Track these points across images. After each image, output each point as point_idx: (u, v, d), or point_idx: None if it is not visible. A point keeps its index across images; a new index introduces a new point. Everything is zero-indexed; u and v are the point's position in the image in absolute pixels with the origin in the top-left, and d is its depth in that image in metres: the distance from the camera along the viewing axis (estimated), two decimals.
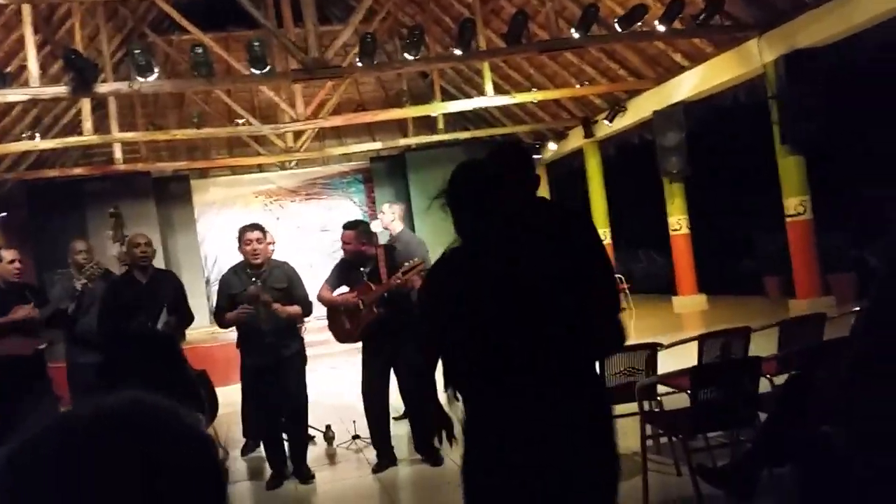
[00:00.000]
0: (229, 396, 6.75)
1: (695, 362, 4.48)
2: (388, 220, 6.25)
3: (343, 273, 5.38)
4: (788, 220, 9.20)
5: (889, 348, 2.63)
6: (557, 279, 2.24)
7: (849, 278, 9.88)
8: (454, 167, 2.45)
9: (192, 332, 9.81)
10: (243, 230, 5.06)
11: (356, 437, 5.88)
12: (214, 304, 5.23)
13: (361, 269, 5.25)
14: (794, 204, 9.04)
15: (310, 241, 14.32)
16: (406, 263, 5.05)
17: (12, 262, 5.18)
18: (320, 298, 5.36)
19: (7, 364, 4.73)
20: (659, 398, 4.38)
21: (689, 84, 10.39)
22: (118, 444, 0.73)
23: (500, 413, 2.23)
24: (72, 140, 11.01)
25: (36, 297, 5.21)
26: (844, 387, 2.60)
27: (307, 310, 5.18)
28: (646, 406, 4.16)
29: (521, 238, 2.34)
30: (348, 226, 5.39)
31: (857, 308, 4.61)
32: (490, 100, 11.41)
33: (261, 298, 4.90)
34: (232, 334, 5.42)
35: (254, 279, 4.98)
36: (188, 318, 5.52)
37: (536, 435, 2.17)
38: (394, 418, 5.84)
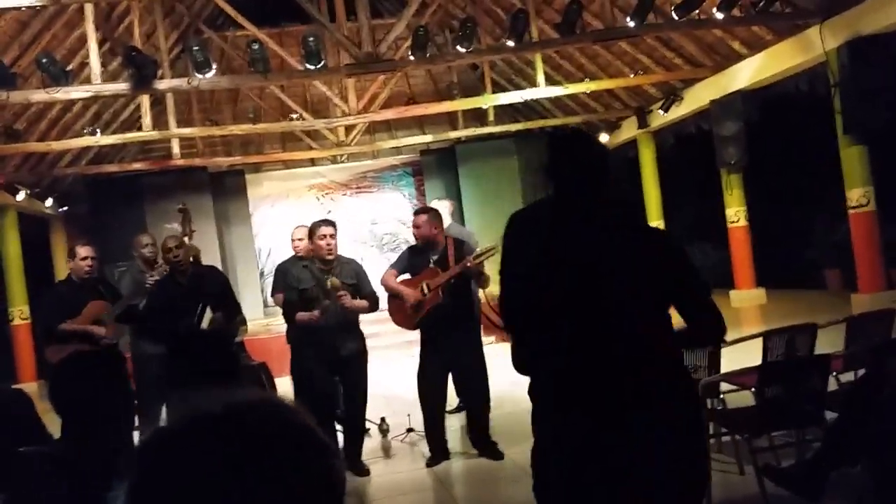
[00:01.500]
0: (285, 387, 6.86)
1: (756, 359, 4.37)
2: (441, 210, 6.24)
3: (411, 258, 5.40)
4: (851, 211, 8.93)
5: None
6: (638, 269, 2.22)
7: None
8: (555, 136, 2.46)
9: (249, 325, 10.00)
10: (317, 225, 5.11)
11: (410, 429, 5.91)
12: (284, 301, 5.27)
13: (430, 255, 5.26)
14: (858, 195, 8.77)
15: (361, 233, 14.44)
16: (477, 250, 5.06)
17: (85, 258, 5.30)
18: (384, 283, 5.39)
19: (79, 357, 4.84)
20: (722, 396, 4.29)
21: (747, 72, 10.14)
22: (248, 441, 0.74)
23: (575, 400, 2.19)
24: (131, 136, 11.26)
25: (109, 292, 5.34)
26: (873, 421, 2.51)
27: (375, 305, 5.22)
28: (709, 404, 4.08)
29: (612, 225, 2.31)
30: (420, 211, 5.46)
31: None
32: (542, 91, 11.31)
33: (340, 289, 4.92)
34: (284, 326, 5.48)
35: (326, 273, 5.01)
36: (235, 312, 5.59)
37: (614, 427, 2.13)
38: (448, 412, 5.85)
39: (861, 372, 4.30)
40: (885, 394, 2.94)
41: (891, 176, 9.65)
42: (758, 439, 3.81)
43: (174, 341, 4.95)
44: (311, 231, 5.12)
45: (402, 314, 5.35)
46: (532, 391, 2.29)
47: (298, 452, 0.75)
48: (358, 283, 5.14)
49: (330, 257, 5.03)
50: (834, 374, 4.01)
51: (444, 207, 6.37)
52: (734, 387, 4.18)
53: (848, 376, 4.33)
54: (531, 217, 2.39)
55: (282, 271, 5.45)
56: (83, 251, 5.34)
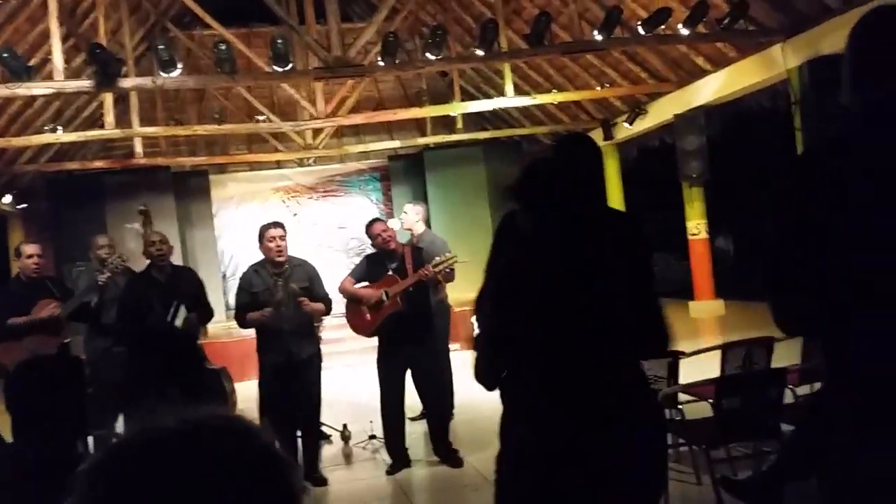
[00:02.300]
0: (246, 392, 6.79)
1: (715, 370, 4.44)
2: (412, 221, 6.25)
3: (369, 267, 5.38)
4: None
5: None
6: (613, 275, 2.24)
7: None
8: (528, 159, 2.49)
9: (210, 328, 9.88)
10: (265, 228, 5.05)
11: (373, 436, 5.88)
12: (234, 303, 5.20)
13: (388, 264, 5.25)
14: None
15: (327, 238, 14.35)
16: (437, 258, 5.06)
17: (31, 256, 5.21)
18: (342, 290, 5.37)
19: (35, 362, 4.74)
20: (680, 406, 4.35)
21: (711, 88, 10.31)
22: (201, 460, 0.73)
23: (542, 406, 2.21)
24: (93, 133, 11.08)
25: (59, 290, 5.24)
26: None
27: (328, 308, 5.19)
28: (667, 414, 4.13)
29: (575, 234, 2.32)
30: (376, 219, 5.47)
31: None
32: (510, 100, 11.38)
33: (293, 296, 4.88)
34: (249, 331, 5.42)
35: (277, 277, 4.97)
36: (208, 314, 5.55)
37: (581, 433, 2.15)
38: (410, 418, 5.84)
39: (817, 385, 4.40)
40: (840, 408, 3.00)
41: None
42: (715, 450, 3.87)
43: (144, 338, 4.91)
44: (260, 234, 5.06)
45: (360, 321, 5.34)
46: (506, 395, 2.30)
47: (254, 471, 0.74)
48: (311, 286, 5.08)
49: (280, 259, 4.98)
50: (790, 387, 4.08)
51: (416, 212, 6.37)
52: (692, 398, 4.24)
53: (804, 389, 4.41)
54: (513, 221, 2.42)
55: (244, 280, 5.36)
56: (29, 249, 5.25)
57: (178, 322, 5.07)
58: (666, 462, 2.35)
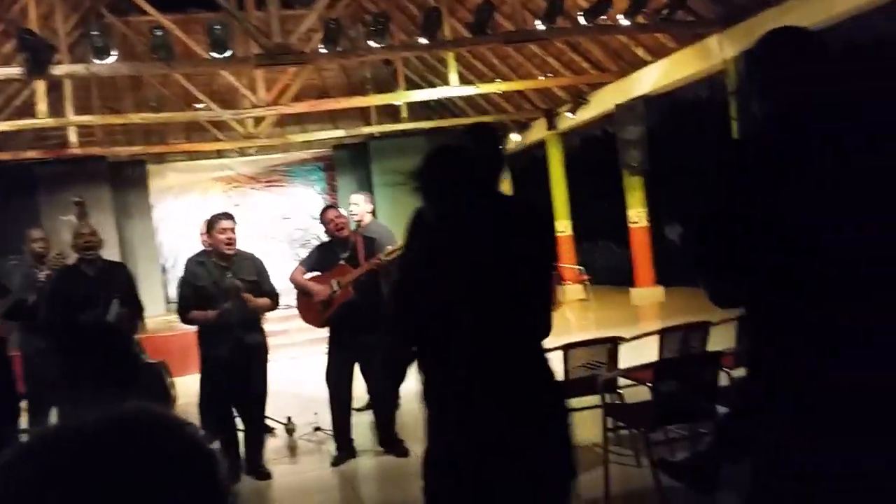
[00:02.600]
0: (187, 387, 6.67)
1: (654, 354, 4.54)
2: (362, 211, 6.16)
3: (321, 256, 5.33)
4: None
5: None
6: (511, 263, 2.26)
7: None
8: (426, 153, 2.49)
9: (148, 322, 9.67)
10: (217, 218, 4.90)
11: (318, 428, 5.84)
12: (178, 297, 5.04)
13: (339, 253, 5.21)
14: None
15: (270, 229, 14.18)
16: (388, 247, 5.03)
17: None
18: (293, 279, 5.31)
19: None
20: (620, 391, 4.43)
21: (650, 78, 10.49)
22: (120, 457, 0.71)
23: (452, 390, 2.25)
24: (25, 122, 10.70)
25: None
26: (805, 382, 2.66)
27: (276, 303, 5.10)
28: (607, 399, 4.20)
29: (482, 221, 2.35)
30: (330, 206, 5.43)
31: None
32: (454, 90, 11.39)
33: (240, 293, 4.78)
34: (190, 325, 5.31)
35: (224, 270, 4.85)
36: (139, 310, 5.41)
37: (487, 415, 2.19)
38: (356, 409, 5.82)
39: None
40: (769, 390, 3.09)
41: None
42: (654, 433, 3.95)
43: (76, 334, 4.76)
44: (210, 224, 4.91)
45: (311, 311, 5.29)
46: (429, 392, 2.32)
47: (177, 465, 0.73)
48: (258, 280, 4.96)
49: (230, 252, 4.85)
50: (725, 370, 4.19)
51: (367, 202, 6.29)
52: (632, 382, 4.32)
53: (739, 372, 4.54)
54: (427, 213, 2.44)
55: (188, 272, 5.23)
56: None
57: (111, 317, 4.94)
58: (573, 446, 2.42)
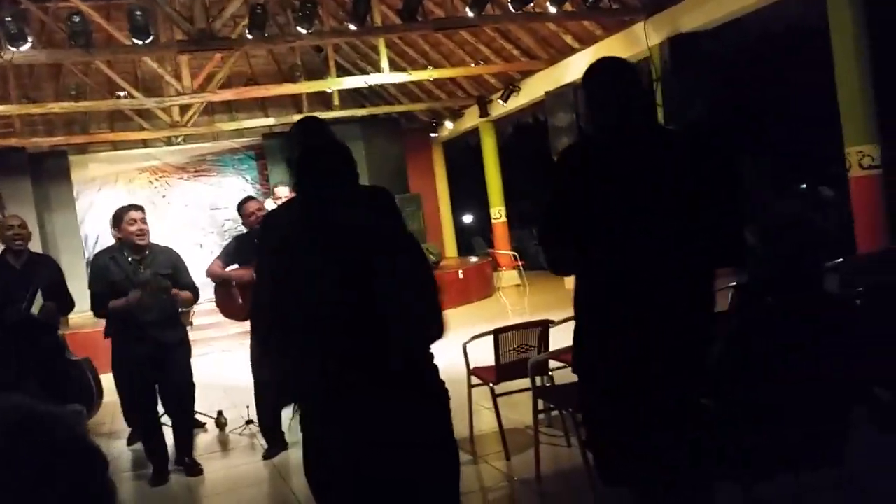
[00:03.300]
0: (112, 383, 6.48)
1: None
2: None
3: (239, 248, 5.21)
4: None
5: (761, 323, 2.79)
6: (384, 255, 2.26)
7: None
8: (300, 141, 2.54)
9: (73, 318, 9.37)
10: (124, 210, 4.68)
11: (249, 422, 5.76)
12: (91, 294, 4.80)
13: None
14: None
15: (199, 219, 13.87)
16: None
17: None
18: (210, 273, 5.19)
19: None
20: (551, 373, 4.49)
21: (579, 66, 10.60)
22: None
23: (325, 391, 2.25)
24: None
25: None
26: (721, 361, 2.73)
27: (196, 295, 4.94)
28: (538, 381, 4.25)
29: (356, 210, 2.36)
30: (250, 198, 5.30)
31: (734, 283, 4.86)
32: (386, 77, 11.31)
33: (157, 285, 4.59)
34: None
35: (138, 265, 4.67)
36: (68, 304, 5.23)
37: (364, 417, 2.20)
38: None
39: None
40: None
41: None
42: (580, 413, 4.01)
43: (1, 327, 4.57)
44: (118, 217, 4.68)
45: (233, 305, 5.19)
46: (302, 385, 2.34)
47: (54, 463, 0.70)
48: (175, 274, 4.76)
49: (142, 243, 4.63)
50: None
51: (287, 192, 6.20)
52: (562, 364, 4.38)
53: None
54: (283, 216, 2.44)
55: (91, 264, 5.01)
56: None
57: (35, 310, 4.77)
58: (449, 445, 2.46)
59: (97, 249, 12.73)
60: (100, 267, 4.70)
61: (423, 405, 2.31)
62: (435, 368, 2.40)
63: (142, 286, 4.53)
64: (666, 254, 2.41)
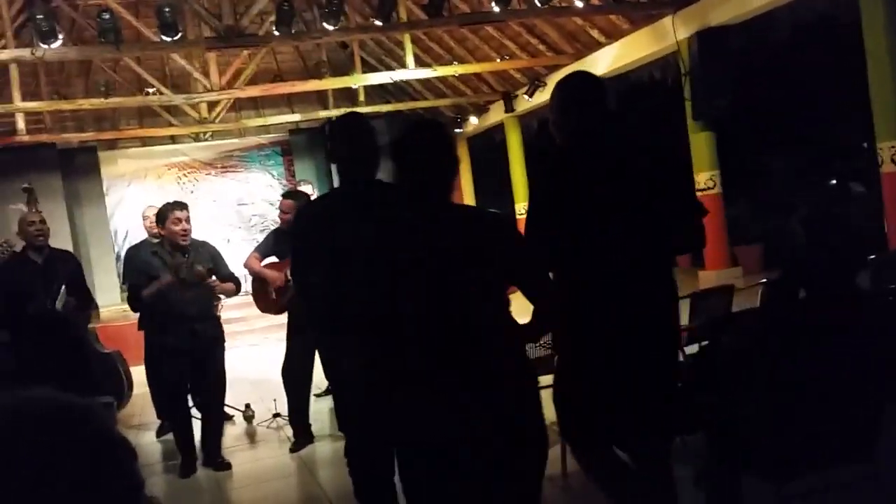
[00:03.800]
0: (143, 376, 6.57)
1: None
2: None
3: (276, 243, 5.26)
4: (699, 194, 9.49)
5: (792, 319, 2.76)
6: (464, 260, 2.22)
7: (754, 250, 10.32)
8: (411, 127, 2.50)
9: (103, 311, 9.51)
10: (170, 208, 4.71)
11: (277, 415, 5.81)
12: (128, 287, 4.86)
13: None
14: (705, 178, 9.34)
15: (227, 215, 13.99)
16: None
17: None
18: (247, 266, 5.24)
19: None
20: None
21: (605, 60, 10.53)
22: (22, 443, 0.69)
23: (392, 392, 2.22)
24: None
25: None
26: (754, 356, 2.72)
27: (238, 286, 5.00)
28: None
29: (439, 213, 2.30)
30: (288, 195, 5.33)
31: (765, 280, 4.82)
32: (411, 72, 11.32)
33: (205, 279, 4.64)
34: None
35: (178, 258, 4.72)
36: (88, 300, 5.29)
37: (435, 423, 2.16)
38: (316, 395, 5.81)
39: (703, 344, 4.60)
40: (722, 365, 3.16)
41: (735, 160, 10.34)
42: None
43: (24, 323, 4.65)
44: (163, 215, 4.72)
45: (266, 299, 5.24)
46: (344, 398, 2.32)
47: (83, 456, 0.72)
48: (215, 267, 4.84)
49: (185, 242, 4.70)
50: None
51: (310, 190, 6.28)
52: None
53: (692, 349, 4.61)
54: (319, 209, 2.43)
55: (129, 258, 5.07)
56: None
57: (59, 305, 4.84)
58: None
59: (126, 244, 13.06)
60: (141, 261, 4.78)
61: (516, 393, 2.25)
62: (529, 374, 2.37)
63: (176, 269, 4.57)
64: (632, 245, 2.65)
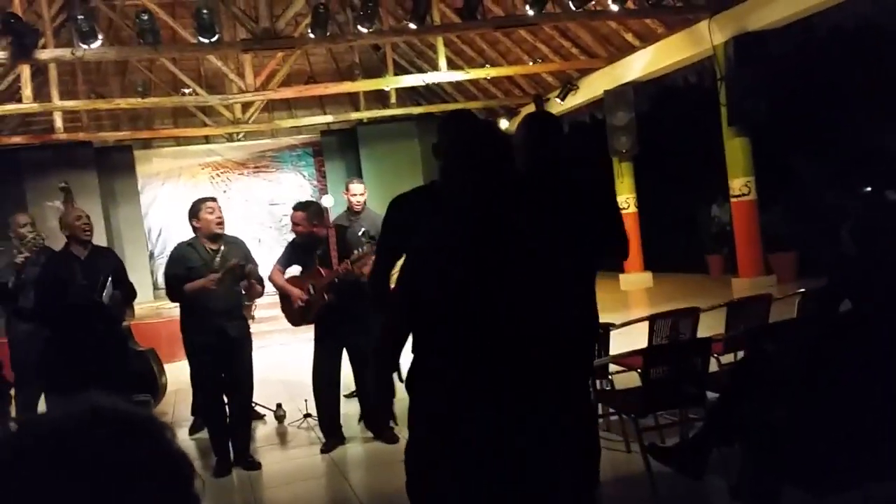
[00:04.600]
0: (175, 373, 6.65)
1: (643, 340, 4.56)
2: (363, 198, 6.07)
3: (295, 254, 5.29)
4: (733, 200, 9.39)
5: (836, 331, 2.72)
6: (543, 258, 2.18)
7: (789, 258, 10.17)
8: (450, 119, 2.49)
9: (137, 309, 9.61)
10: (201, 201, 4.88)
11: (307, 415, 5.83)
12: (168, 275, 4.96)
13: (314, 251, 5.17)
14: (740, 185, 9.23)
15: (258, 215, 14.11)
16: (356, 251, 4.97)
17: None
18: (272, 280, 5.26)
19: None
20: (610, 377, 4.45)
21: (639, 64, 10.47)
22: (92, 458, 0.69)
23: (454, 387, 2.13)
24: (10, 107, 10.59)
25: None
26: (797, 368, 2.68)
27: (263, 287, 5.07)
28: (598, 385, 4.22)
29: (519, 206, 2.25)
30: (299, 206, 5.28)
31: (803, 290, 4.75)
32: (443, 75, 11.34)
33: (242, 270, 4.73)
34: (177, 310, 5.25)
35: (215, 253, 4.81)
36: (131, 293, 5.37)
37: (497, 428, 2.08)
38: (345, 395, 5.82)
39: (740, 354, 4.55)
40: (762, 376, 3.12)
41: (771, 166, 10.20)
42: (643, 419, 3.97)
43: (70, 316, 4.73)
44: (195, 208, 4.85)
45: (292, 311, 5.27)
46: (420, 386, 2.23)
47: (148, 473, 0.72)
48: (247, 265, 4.93)
49: (220, 230, 4.82)
50: (715, 355, 4.21)
51: (363, 188, 6.16)
52: (622, 368, 4.33)
53: (728, 358, 4.56)
54: (417, 200, 2.39)
55: (178, 254, 5.15)
56: None
57: (106, 298, 4.90)
58: (593, 452, 2.36)
59: (159, 243, 13.22)
60: (179, 254, 4.88)
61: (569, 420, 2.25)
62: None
63: (224, 273, 4.65)
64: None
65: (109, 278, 4.91)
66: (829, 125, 11.13)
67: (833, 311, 2.81)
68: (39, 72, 10.88)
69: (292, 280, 5.28)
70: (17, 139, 12.10)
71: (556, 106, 12.60)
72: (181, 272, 4.81)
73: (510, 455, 2.09)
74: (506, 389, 2.08)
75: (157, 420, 0.78)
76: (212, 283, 4.68)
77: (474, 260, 2.11)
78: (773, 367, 3.08)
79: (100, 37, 7.83)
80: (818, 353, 2.70)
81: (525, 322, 2.12)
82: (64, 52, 8.37)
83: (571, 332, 2.26)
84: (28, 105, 10.17)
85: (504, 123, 14.50)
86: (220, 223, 4.83)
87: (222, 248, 4.85)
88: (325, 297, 5.02)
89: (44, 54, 8.18)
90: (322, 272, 5.05)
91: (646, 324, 4.61)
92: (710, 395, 3.82)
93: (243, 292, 5.04)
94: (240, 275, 4.79)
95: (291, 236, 5.55)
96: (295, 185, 14.45)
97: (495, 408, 2.07)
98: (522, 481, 2.11)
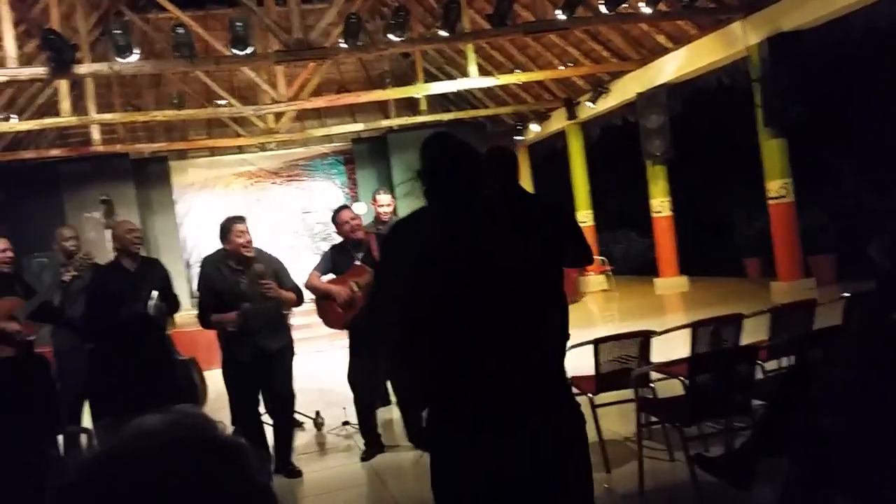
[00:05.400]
0: (214, 382, 6.70)
1: (683, 347, 4.50)
2: (388, 208, 6.08)
3: (335, 258, 5.30)
4: (771, 202, 9.26)
5: (888, 340, 2.66)
6: (526, 269, 2.25)
7: (829, 260, 9.99)
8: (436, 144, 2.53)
9: (178, 318, 9.73)
10: (232, 221, 4.79)
11: (346, 423, 5.86)
12: (198, 301, 4.98)
13: (354, 253, 5.19)
14: (777, 187, 9.10)
15: (292, 223, 14.23)
16: None
17: (4, 251, 5.05)
18: (309, 285, 5.27)
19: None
20: (652, 385, 4.40)
21: (672, 66, 10.38)
22: (183, 480, 0.70)
23: (459, 406, 2.21)
24: (48, 121, 10.79)
25: (23, 288, 5.08)
26: (847, 376, 2.63)
27: (301, 298, 5.05)
28: (639, 393, 4.17)
29: (499, 220, 2.34)
30: (343, 207, 5.37)
31: (847, 294, 4.66)
32: (473, 81, 11.34)
33: (264, 277, 4.74)
34: None
35: (241, 274, 4.79)
36: (176, 306, 5.42)
37: (498, 434, 2.16)
38: (382, 404, 5.83)
39: (785, 361, 4.48)
40: (811, 385, 3.06)
41: (808, 168, 10.04)
42: (688, 428, 3.92)
43: (119, 330, 4.78)
44: (226, 228, 4.78)
45: (333, 315, 5.26)
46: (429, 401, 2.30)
47: (227, 478, 0.72)
48: (277, 279, 4.88)
49: (249, 255, 4.76)
50: (759, 362, 4.15)
51: (390, 198, 6.19)
52: (663, 376, 4.29)
53: (772, 365, 4.50)
54: (415, 224, 2.42)
55: (200, 272, 5.17)
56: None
57: (151, 310, 4.94)
58: (585, 461, 2.41)
59: (194, 252, 13.37)
60: (207, 275, 4.87)
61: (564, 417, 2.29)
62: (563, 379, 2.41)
63: (245, 295, 4.66)
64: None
65: (154, 290, 4.95)
66: (866, 126, 10.93)
67: (884, 317, 2.75)
68: (76, 85, 11.08)
69: (332, 282, 5.29)
70: (55, 152, 12.35)
71: (586, 110, 12.54)
72: (208, 300, 4.82)
73: (517, 472, 2.17)
74: (500, 406, 2.15)
75: (245, 446, 0.79)
76: (231, 326, 4.69)
77: (458, 276, 2.19)
78: (821, 375, 3.02)
79: (136, 51, 7.94)
80: (870, 362, 2.64)
81: (516, 332, 2.19)
82: (101, 67, 8.52)
83: (552, 341, 2.31)
84: (66, 119, 10.37)
85: (534, 128, 14.48)
86: (249, 247, 4.78)
87: (250, 265, 4.81)
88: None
89: (81, 69, 8.32)
90: (366, 268, 5.04)
91: (685, 330, 4.55)
92: (756, 403, 3.76)
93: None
94: (261, 277, 4.74)
95: (323, 244, 5.58)
96: (327, 193, 14.56)
97: (492, 426, 2.15)
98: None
